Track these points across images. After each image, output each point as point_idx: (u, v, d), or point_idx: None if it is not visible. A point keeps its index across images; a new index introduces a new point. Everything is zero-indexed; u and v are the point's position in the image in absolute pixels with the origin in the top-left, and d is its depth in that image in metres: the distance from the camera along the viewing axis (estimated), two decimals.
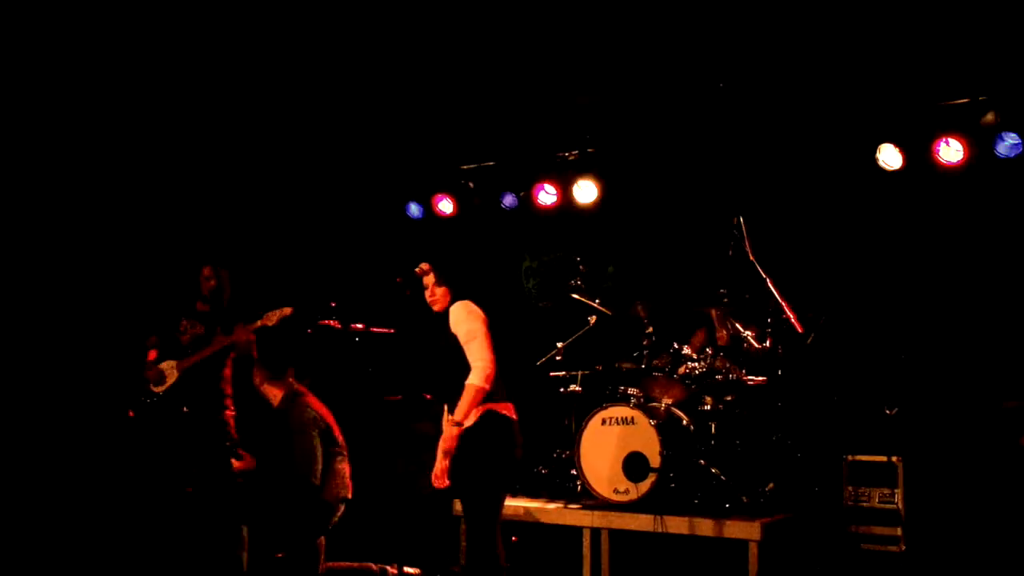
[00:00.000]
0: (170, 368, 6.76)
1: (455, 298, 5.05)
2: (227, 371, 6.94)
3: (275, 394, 6.49)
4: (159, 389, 6.76)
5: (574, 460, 7.19)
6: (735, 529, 6.33)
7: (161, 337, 6.87)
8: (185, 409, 6.73)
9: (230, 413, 6.88)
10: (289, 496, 6.20)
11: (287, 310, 6.59)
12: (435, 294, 5.11)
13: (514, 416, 5.06)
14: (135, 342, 6.94)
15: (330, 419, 6.46)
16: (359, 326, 8.02)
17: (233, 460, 6.38)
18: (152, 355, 6.84)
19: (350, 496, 6.41)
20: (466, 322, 4.95)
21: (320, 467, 6.24)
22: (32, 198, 7.65)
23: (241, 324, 6.65)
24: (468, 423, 4.89)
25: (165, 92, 7.84)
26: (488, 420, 4.95)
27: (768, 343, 7.04)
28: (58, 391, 7.59)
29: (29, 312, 7.60)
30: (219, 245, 8.22)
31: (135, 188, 8.13)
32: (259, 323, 6.63)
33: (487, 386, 4.86)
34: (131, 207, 8.12)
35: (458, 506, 5.57)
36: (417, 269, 5.05)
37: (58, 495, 7.42)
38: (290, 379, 6.53)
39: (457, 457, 4.92)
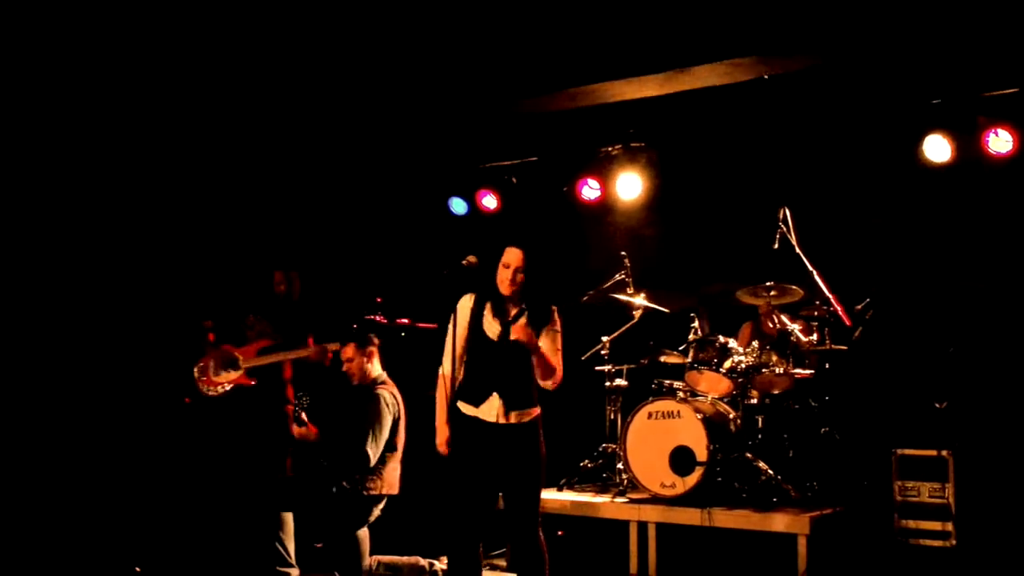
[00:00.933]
0: (240, 359, 6.77)
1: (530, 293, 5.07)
2: (288, 373, 7.00)
3: (366, 369, 6.53)
4: (224, 378, 6.76)
5: (620, 454, 7.21)
6: (784, 523, 6.30)
7: (222, 324, 6.90)
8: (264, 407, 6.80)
9: (289, 408, 6.94)
10: (343, 474, 6.25)
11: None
12: (515, 281, 5.06)
13: None
14: (193, 327, 6.99)
15: (403, 417, 6.52)
16: (404, 321, 8.07)
17: (295, 426, 6.40)
18: (211, 337, 6.88)
19: (396, 493, 6.44)
20: (559, 330, 5.09)
21: (379, 452, 6.30)
22: (102, 190, 7.82)
23: (325, 344, 6.64)
24: (523, 420, 4.91)
25: (238, 98, 7.99)
26: (539, 421, 5.10)
27: (815, 336, 6.99)
28: (116, 378, 7.72)
29: (97, 301, 7.74)
30: (268, 244, 8.32)
31: (197, 188, 8.27)
32: (339, 346, 6.68)
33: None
34: (196, 206, 8.25)
35: (501, 502, 5.53)
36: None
37: (116, 475, 7.55)
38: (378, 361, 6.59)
39: (517, 454, 4.96)
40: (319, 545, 6.55)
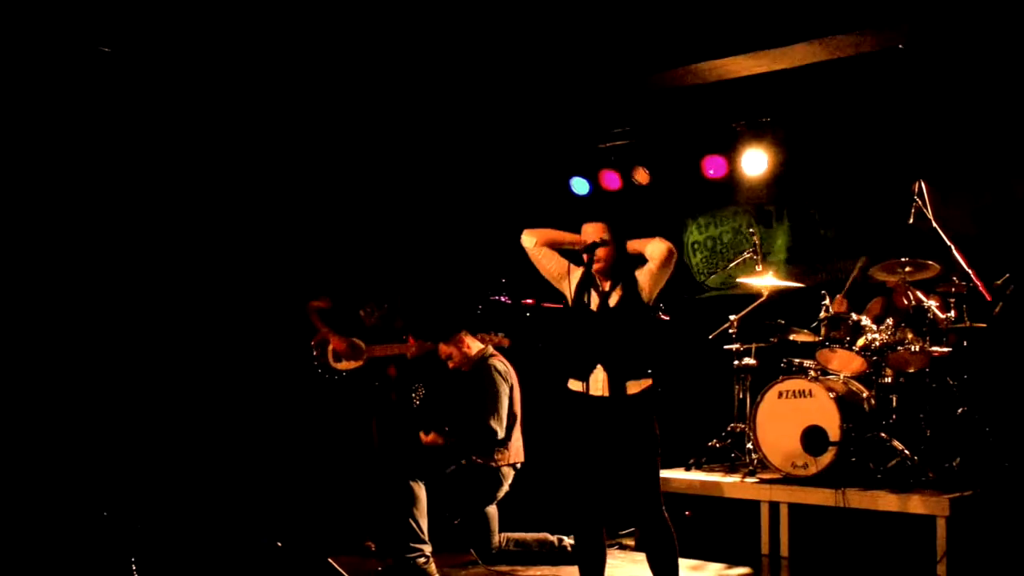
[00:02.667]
0: (361, 349, 6.92)
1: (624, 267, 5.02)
2: (392, 369, 7.13)
3: (466, 353, 6.62)
4: (344, 366, 6.94)
5: (749, 434, 7.12)
6: (922, 504, 6.15)
7: (335, 304, 7.01)
8: (376, 383, 6.93)
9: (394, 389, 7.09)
10: (470, 451, 6.32)
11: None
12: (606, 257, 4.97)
13: None
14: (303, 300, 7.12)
15: (516, 385, 6.57)
16: (529, 301, 8.12)
17: (422, 434, 6.52)
18: (324, 303, 7.00)
19: (522, 460, 6.49)
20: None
21: (505, 423, 6.36)
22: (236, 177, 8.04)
23: (441, 343, 6.69)
24: (631, 393, 4.87)
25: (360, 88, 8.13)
26: (651, 394, 4.97)
27: (952, 313, 6.78)
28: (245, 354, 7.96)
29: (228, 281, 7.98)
30: (395, 226, 8.45)
31: (322, 172, 8.45)
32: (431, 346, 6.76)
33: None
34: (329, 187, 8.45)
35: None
36: (597, 238, 4.96)
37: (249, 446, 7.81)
38: (488, 339, 6.65)
39: (626, 429, 4.86)
40: (456, 522, 6.65)
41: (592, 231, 4.99)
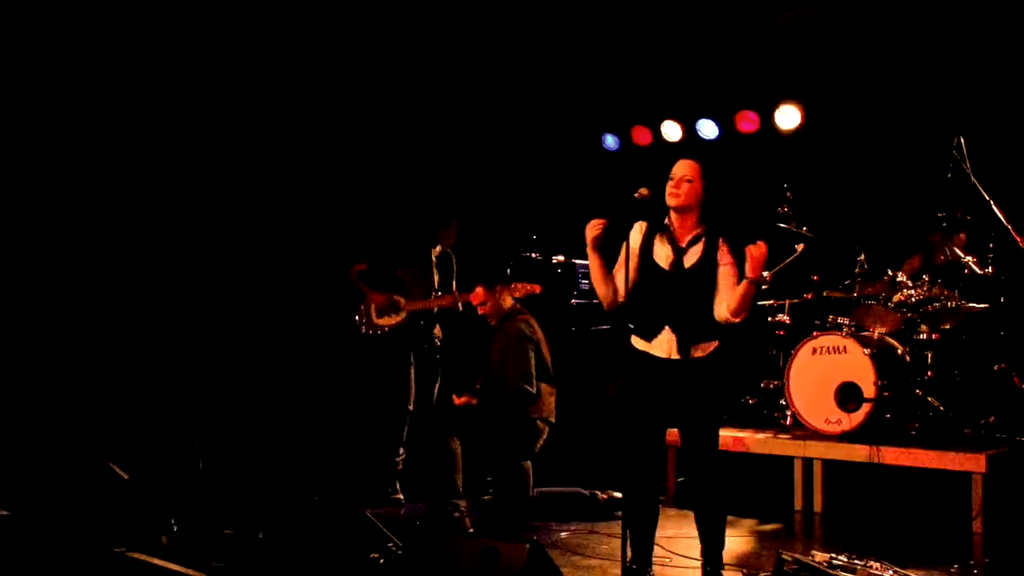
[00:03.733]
0: (401, 303, 6.97)
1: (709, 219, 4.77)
2: (438, 330, 7.14)
3: (500, 307, 6.62)
4: (386, 321, 6.99)
5: (783, 390, 7.09)
6: (958, 461, 6.11)
7: (373, 266, 7.08)
8: (425, 346, 6.98)
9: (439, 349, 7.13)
10: (504, 408, 6.34)
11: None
12: (681, 190, 4.65)
13: None
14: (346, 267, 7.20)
15: (543, 341, 6.56)
16: (560, 258, 8.10)
17: (454, 396, 6.56)
18: (363, 266, 7.06)
19: (554, 420, 6.50)
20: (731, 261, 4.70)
21: (535, 380, 6.36)
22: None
23: (483, 286, 6.72)
24: (697, 355, 4.70)
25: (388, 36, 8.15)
26: (722, 354, 4.78)
27: (991, 269, 6.71)
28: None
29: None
30: (419, 179, 8.46)
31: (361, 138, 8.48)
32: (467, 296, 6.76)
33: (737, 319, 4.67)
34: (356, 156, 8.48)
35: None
36: (636, 194, 4.79)
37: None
38: (520, 288, 6.64)
39: (692, 391, 4.70)
40: (490, 478, 6.69)
41: (680, 168, 4.69)
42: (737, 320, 4.65)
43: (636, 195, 4.66)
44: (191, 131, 7.88)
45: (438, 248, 7.16)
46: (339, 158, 8.55)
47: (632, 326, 4.80)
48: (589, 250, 4.68)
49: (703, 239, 4.72)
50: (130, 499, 5.70)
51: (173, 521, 5.45)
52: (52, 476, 6.09)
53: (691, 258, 4.71)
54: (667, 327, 4.68)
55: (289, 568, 4.91)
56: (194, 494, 5.87)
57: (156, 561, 5.01)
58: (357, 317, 7.10)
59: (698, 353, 4.69)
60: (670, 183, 4.71)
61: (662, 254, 4.74)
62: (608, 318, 7.75)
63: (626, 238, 4.77)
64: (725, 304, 4.65)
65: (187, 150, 7.89)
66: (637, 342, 4.78)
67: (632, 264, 4.75)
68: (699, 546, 4.89)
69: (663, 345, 4.70)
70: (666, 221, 4.78)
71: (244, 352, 8.06)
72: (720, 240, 4.71)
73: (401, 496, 6.82)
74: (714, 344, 4.72)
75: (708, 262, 4.68)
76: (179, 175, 7.87)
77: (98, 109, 7.48)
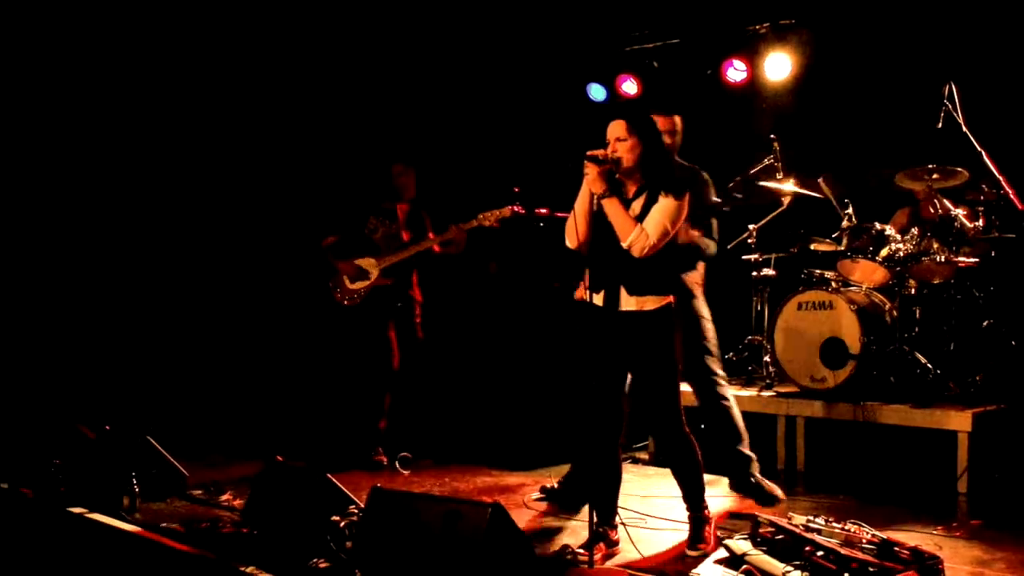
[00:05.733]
0: (370, 265, 6.82)
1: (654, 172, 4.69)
2: (415, 276, 6.98)
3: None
4: (360, 285, 6.84)
5: (767, 346, 6.97)
6: (944, 419, 5.99)
7: (344, 235, 6.92)
8: (400, 304, 6.83)
9: (418, 311, 7.00)
10: None
11: (507, 211, 6.50)
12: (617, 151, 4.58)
13: None
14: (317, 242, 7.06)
15: None
16: (543, 211, 7.91)
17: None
18: (333, 239, 6.91)
19: None
20: (671, 200, 4.58)
21: None
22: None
23: (455, 224, 6.59)
24: (646, 308, 4.63)
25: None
26: (670, 309, 4.70)
27: (981, 222, 6.53)
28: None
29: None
30: (400, 136, 8.28)
31: (312, 89, 8.27)
32: (474, 223, 6.60)
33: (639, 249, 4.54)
34: (309, 106, 8.28)
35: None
36: (590, 152, 4.63)
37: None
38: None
39: (639, 344, 4.64)
40: None
41: (612, 129, 4.63)
42: (635, 253, 4.54)
43: (590, 153, 4.55)
44: (150, 113, 7.74)
45: (405, 204, 6.99)
46: (303, 130, 8.38)
47: (582, 279, 4.74)
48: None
49: (645, 192, 4.64)
50: (93, 460, 5.59)
51: (135, 482, 5.33)
52: (15, 437, 6.00)
53: (636, 208, 4.62)
54: (614, 280, 4.63)
55: (250, 530, 4.79)
56: (158, 458, 5.74)
57: (114, 523, 4.91)
58: (333, 290, 6.95)
59: (644, 306, 4.62)
60: (608, 146, 4.64)
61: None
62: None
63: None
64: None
65: (142, 134, 7.75)
66: (585, 296, 4.73)
67: (580, 212, 4.67)
68: (676, 506, 4.85)
69: (610, 297, 4.65)
70: (617, 176, 4.66)
71: (234, 332, 8.03)
72: (672, 186, 4.62)
73: (384, 459, 6.69)
74: (665, 299, 4.66)
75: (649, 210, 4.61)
76: (141, 157, 7.74)
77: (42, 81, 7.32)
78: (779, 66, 8.02)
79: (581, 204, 4.63)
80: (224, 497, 5.58)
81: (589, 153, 4.57)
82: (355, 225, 6.93)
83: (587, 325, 4.72)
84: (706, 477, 4.85)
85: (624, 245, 4.54)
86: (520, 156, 8.77)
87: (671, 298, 4.69)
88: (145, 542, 4.61)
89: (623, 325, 4.64)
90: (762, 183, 7.27)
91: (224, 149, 8.19)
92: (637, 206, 4.61)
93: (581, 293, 4.97)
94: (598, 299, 4.67)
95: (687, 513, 4.83)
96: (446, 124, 8.77)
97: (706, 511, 4.82)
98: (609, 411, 4.75)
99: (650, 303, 4.64)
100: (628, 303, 4.62)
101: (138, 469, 5.45)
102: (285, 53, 8.19)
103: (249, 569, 4.24)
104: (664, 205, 4.55)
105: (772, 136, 7.25)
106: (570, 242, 4.71)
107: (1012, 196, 6.34)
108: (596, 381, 4.71)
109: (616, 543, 4.78)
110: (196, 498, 5.64)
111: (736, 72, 8.23)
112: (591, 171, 4.52)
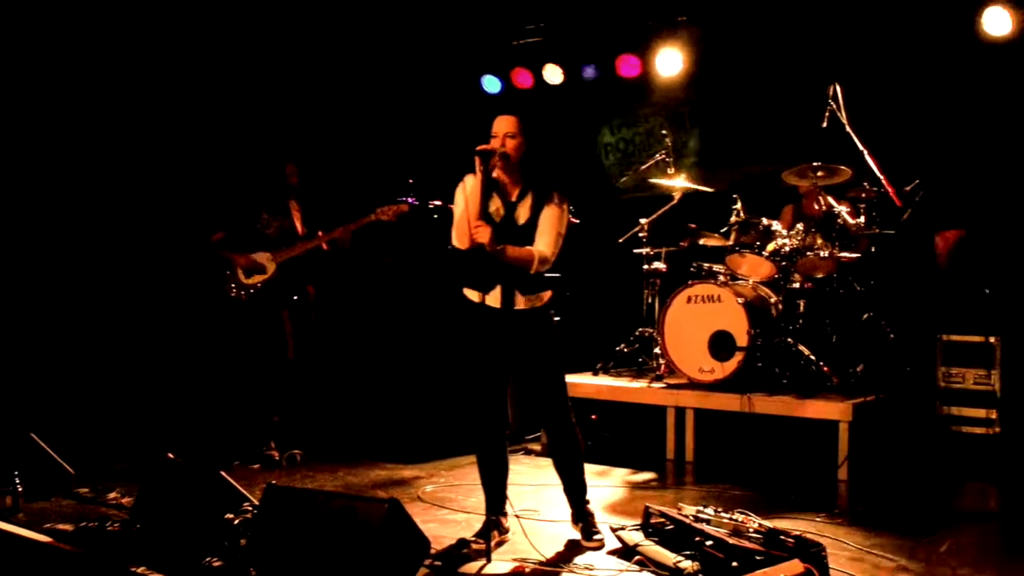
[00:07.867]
0: (266, 259, 6.71)
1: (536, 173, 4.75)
2: (309, 269, 6.89)
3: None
4: (256, 279, 6.72)
5: (657, 339, 7.08)
6: (825, 409, 6.19)
7: (233, 231, 6.80)
8: (296, 298, 6.75)
9: (312, 303, 6.94)
10: None
11: (404, 206, 6.46)
12: (506, 148, 4.59)
13: None
14: (205, 238, 6.92)
15: None
16: (437, 202, 7.90)
17: None
18: (221, 235, 6.79)
19: None
20: (558, 208, 4.66)
21: None
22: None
23: (342, 226, 6.55)
24: (533, 305, 4.68)
25: None
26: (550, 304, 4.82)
27: (863, 219, 6.75)
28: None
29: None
30: (293, 131, 8.16)
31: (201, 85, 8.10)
32: (372, 217, 6.54)
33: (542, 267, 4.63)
34: (197, 102, 8.11)
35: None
36: (480, 147, 4.63)
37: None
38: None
39: (528, 340, 4.70)
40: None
41: (502, 125, 4.65)
42: (533, 270, 4.62)
43: (480, 148, 4.57)
44: (29, 106, 7.49)
45: (296, 200, 6.91)
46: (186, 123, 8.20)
47: (466, 278, 4.74)
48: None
49: (530, 193, 4.68)
50: None
51: (18, 481, 5.18)
52: None
53: (523, 213, 4.67)
54: (499, 280, 4.65)
55: (142, 530, 4.69)
56: (42, 456, 5.57)
57: None
58: (226, 282, 6.82)
59: (532, 304, 4.70)
60: (493, 140, 4.65)
61: (493, 208, 4.70)
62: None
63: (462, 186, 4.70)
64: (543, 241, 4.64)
65: (20, 130, 7.50)
66: (471, 294, 4.74)
67: (465, 215, 4.60)
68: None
69: (496, 297, 4.68)
70: (495, 175, 4.68)
71: (123, 328, 7.85)
72: (554, 193, 4.68)
73: (276, 454, 6.61)
74: (546, 295, 4.76)
75: (537, 216, 4.65)
76: (20, 150, 7.49)
77: None
78: (670, 62, 8.17)
79: (473, 204, 4.56)
80: (112, 495, 5.44)
81: (479, 148, 4.59)
82: (246, 220, 6.81)
83: (478, 324, 4.73)
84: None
85: (531, 272, 4.60)
86: (413, 147, 8.74)
87: (551, 292, 4.79)
88: (29, 543, 4.46)
89: (517, 323, 4.68)
90: (652, 180, 7.41)
91: (111, 145, 7.94)
92: (524, 210, 4.65)
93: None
94: (491, 299, 4.68)
95: (573, 506, 4.87)
96: (338, 117, 8.66)
97: (588, 503, 4.89)
98: (497, 406, 4.80)
99: (540, 300, 4.73)
100: (521, 302, 4.69)
101: (21, 467, 5.28)
102: (173, 48, 7.97)
103: (140, 569, 4.14)
104: (551, 215, 4.63)
105: (663, 132, 7.38)
106: (460, 244, 4.64)
107: (891, 194, 6.59)
108: (485, 377, 4.75)
109: (507, 531, 4.84)
110: (83, 496, 5.48)
111: (629, 67, 8.36)
112: (482, 227, 4.46)
